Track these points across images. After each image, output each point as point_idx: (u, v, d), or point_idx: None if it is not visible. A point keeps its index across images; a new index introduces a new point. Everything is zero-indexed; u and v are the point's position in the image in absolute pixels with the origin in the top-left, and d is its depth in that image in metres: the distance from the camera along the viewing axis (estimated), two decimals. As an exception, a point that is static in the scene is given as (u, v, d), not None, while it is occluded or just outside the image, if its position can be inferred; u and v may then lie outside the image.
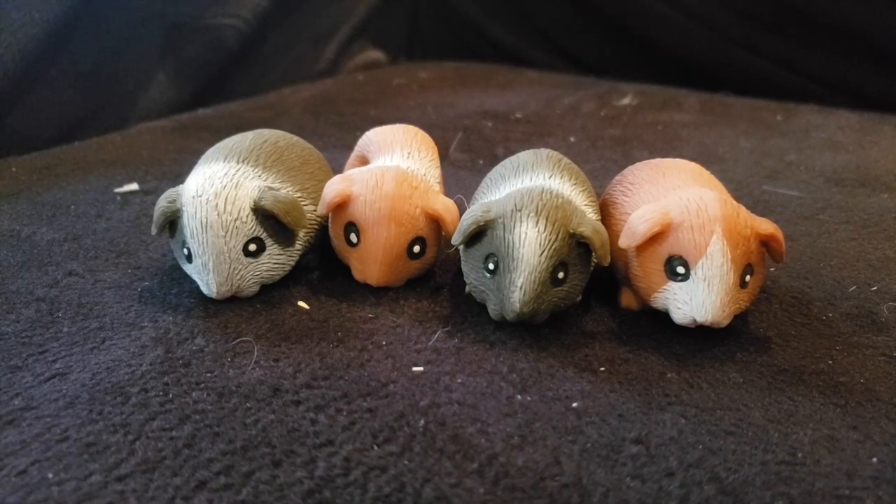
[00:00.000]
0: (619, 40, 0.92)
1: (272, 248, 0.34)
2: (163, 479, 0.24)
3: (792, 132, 0.67)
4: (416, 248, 0.35)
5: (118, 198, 0.48)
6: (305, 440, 0.26)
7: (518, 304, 0.31)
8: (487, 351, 0.31)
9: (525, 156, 0.37)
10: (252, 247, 0.33)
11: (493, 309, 0.32)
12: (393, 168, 0.36)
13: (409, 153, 0.39)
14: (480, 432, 0.27)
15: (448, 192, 0.40)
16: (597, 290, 0.36)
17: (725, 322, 0.30)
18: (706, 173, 0.36)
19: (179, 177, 0.40)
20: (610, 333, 0.33)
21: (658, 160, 0.37)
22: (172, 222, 0.34)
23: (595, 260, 0.32)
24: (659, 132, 0.67)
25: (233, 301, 0.34)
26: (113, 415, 0.27)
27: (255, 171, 0.35)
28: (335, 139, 0.62)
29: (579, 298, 0.34)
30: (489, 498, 0.24)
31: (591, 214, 0.34)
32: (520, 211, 0.31)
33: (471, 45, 1.01)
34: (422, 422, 0.27)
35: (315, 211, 0.37)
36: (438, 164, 0.41)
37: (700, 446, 0.26)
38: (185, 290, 0.36)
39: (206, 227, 0.32)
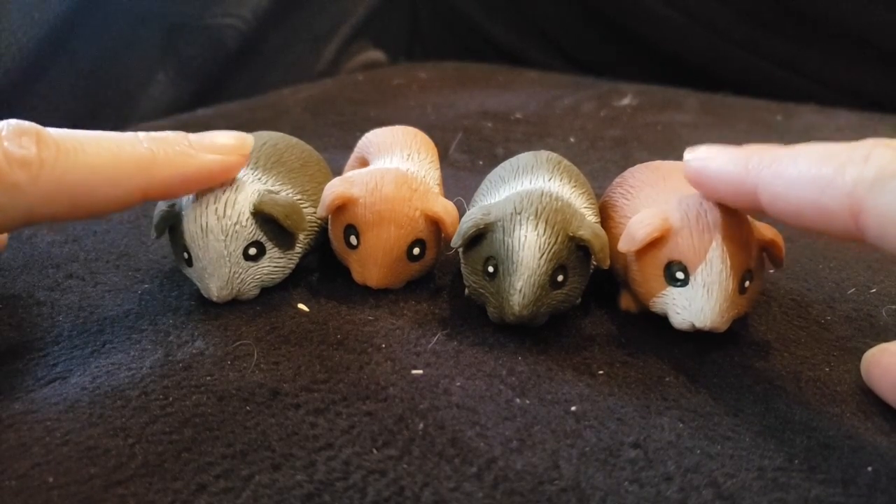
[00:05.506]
0: (619, 40, 0.92)
1: (272, 252, 0.34)
2: (163, 482, 0.24)
3: (792, 132, 0.67)
4: (416, 251, 0.35)
5: (118, 199, 0.48)
6: (305, 443, 0.26)
7: (517, 307, 0.31)
8: (486, 354, 0.31)
9: (524, 158, 0.37)
10: (252, 250, 0.33)
11: (492, 312, 0.32)
12: (392, 170, 0.36)
13: (408, 155, 0.39)
14: (479, 436, 0.27)
15: (448, 192, 0.40)
16: (596, 292, 0.36)
17: (724, 328, 0.30)
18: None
19: (179, 179, 0.39)
20: (609, 337, 0.33)
21: (658, 162, 0.37)
22: (172, 226, 0.34)
23: (594, 263, 0.32)
24: (659, 132, 0.67)
25: (233, 304, 0.35)
26: (113, 418, 0.27)
27: (255, 173, 0.35)
28: (335, 140, 0.62)
29: (579, 301, 0.34)
30: (488, 502, 0.24)
31: (591, 217, 0.34)
32: (519, 214, 0.31)
33: (471, 45, 1.01)
34: (421, 425, 0.27)
35: (315, 213, 0.37)
36: (438, 166, 0.41)
37: (698, 451, 0.26)
38: (185, 292, 0.36)
39: (206, 231, 0.32)
